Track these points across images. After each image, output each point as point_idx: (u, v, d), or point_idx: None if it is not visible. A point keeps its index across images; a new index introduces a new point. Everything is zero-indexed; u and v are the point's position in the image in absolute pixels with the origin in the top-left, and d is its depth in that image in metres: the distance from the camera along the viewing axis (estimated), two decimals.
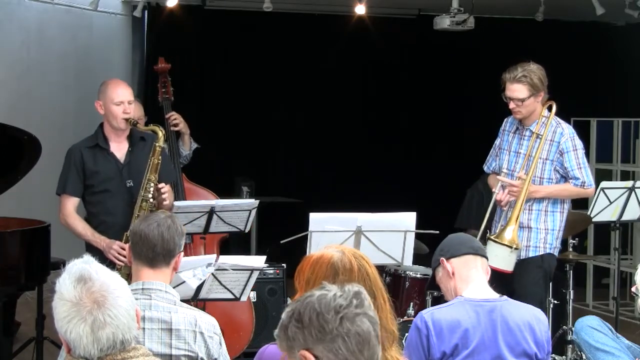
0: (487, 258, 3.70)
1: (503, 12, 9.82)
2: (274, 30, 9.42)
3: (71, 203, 5.20)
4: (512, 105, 5.38)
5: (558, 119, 5.47)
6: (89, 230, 5.12)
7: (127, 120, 5.19)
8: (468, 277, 3.58)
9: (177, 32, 9.16)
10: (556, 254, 5.52)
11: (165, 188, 5.19)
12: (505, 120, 5.65)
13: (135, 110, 5.72)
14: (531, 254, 5.43)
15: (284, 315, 2.16)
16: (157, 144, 5.16)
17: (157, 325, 3.28)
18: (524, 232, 5.43)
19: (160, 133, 5.19)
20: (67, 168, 5.23)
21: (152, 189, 5.10)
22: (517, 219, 5.33)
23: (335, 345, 2.10)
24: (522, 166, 5.44)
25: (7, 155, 5.91)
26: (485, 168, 5.76)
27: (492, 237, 5.32)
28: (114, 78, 5.56)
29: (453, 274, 3.59)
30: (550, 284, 5.89)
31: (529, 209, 5.43)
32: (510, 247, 5.25)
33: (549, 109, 5.48)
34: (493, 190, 5.52)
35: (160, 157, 5.16)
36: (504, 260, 5.21)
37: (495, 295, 3.58)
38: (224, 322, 5.62)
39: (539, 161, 5.41)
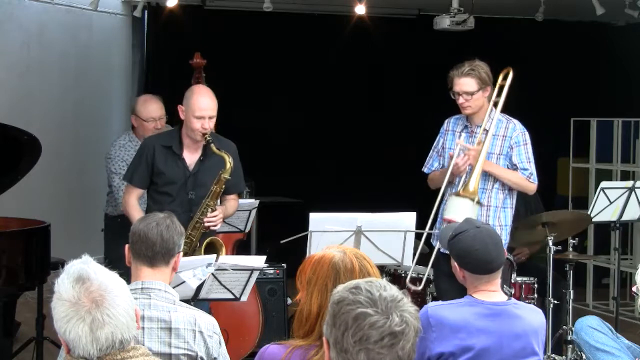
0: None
1: (503, 12, 9.81)
2: (274, 30, 9.41)
3: (135, 193, 5.23)
4: (461, 100, 5.36)
5: (507, 115, 5.46)
6: None
7: (203, 134, 5.13)
8: (478, 286, 3.52)
9: (177, 32, 9.14)
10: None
11: (216, 212, 5.14)
12: (446, 120, 5.62)
13: (157, 111, 5.91)
14: None
15: (331, 299, 2.19)
16: (223, 175, 5.11)
17: (156, 324, 3.28)
18: None
19: (229, 164, 5.11)
20: (139, 159, 5.24)
21: (208, 213, 5.10)
22: (478, 177, 5.25)
23: (341, 358, 2.13)
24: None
25: (7, 155, 5.91)
26: (425, 170, 5.65)
27: (454, 193, 5.27)
28: (200, 86, 5.34)
29: (464, 277, 3.55)
30: (550, 284, 5.88)
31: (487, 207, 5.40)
32: (472, 200, 5.20)
33: (505, 77, 5.45)
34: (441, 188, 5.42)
35: (223, 186, 5.13)
36: (466, 214, 4.99)
37: (503, 297, 3.54)
38: (231, 324, 5.66)
39: (493, 156, 5.38)
